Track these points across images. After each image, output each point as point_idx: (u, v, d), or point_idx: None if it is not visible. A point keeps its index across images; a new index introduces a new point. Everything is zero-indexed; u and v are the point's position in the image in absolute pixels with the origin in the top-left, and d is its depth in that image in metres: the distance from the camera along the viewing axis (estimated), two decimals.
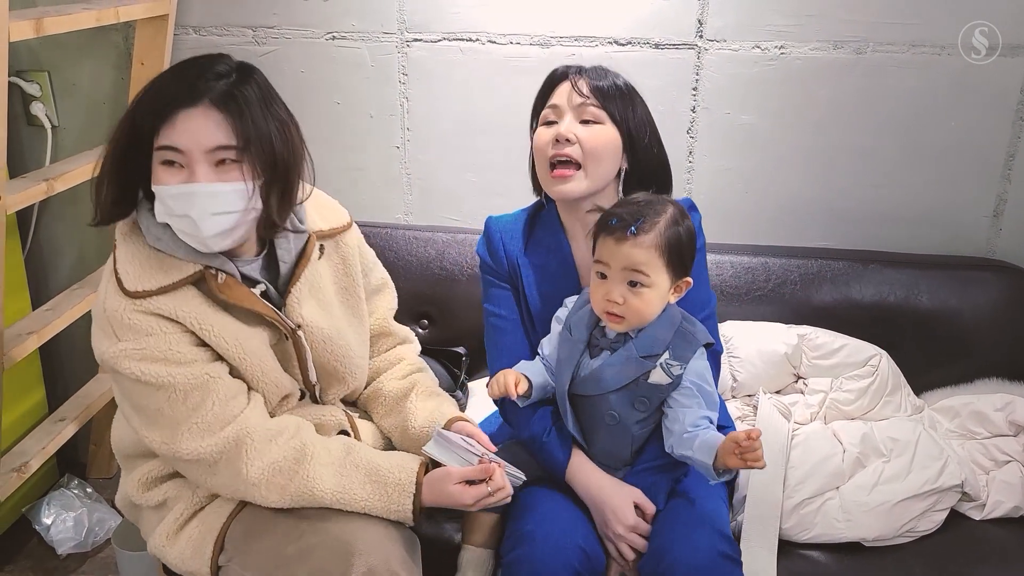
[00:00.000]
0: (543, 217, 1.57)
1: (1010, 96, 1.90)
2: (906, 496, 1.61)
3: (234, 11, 2.10)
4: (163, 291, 1.29)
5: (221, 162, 1.26)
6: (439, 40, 2.05)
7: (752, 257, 1.97)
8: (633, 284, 1.37)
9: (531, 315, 1.55)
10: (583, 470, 1.46)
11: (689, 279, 1.42)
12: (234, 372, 1.37)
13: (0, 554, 2.01)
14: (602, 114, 1.45)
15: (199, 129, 1.23)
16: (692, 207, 1.55)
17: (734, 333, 1.89)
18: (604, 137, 1.45)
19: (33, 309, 2.10)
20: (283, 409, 1.46)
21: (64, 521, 2.13)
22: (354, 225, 1.55)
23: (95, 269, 2.20)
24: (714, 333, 1.53)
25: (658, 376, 1.40)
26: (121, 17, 1.91)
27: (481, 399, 1.89)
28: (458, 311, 2.03)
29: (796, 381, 1.91)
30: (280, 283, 1.42)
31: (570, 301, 1.51)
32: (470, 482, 1.35)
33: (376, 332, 1.61)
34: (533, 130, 1.53)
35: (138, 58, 2.09)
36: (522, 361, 1.50)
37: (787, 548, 1.59)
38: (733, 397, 1.88)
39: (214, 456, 1.32)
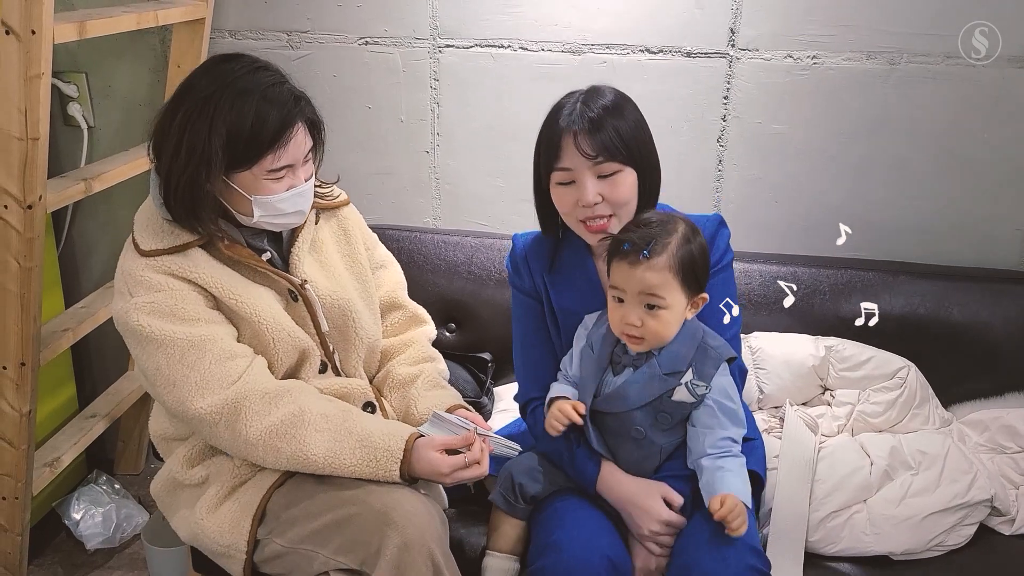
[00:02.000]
0: (569, 238, 1.56)
1: None
2: (935, 510, 1.60)
3: (269, 15, 2.12)
4: (175, 250, 1.41)
5: (305, 161, 1.46)
6: (471, 46, 2.06)
7: (781, 267, 1.97)
8: (650, 307, 1.38)
9: (559, 331, 1.57)
10: (613, 478, 1.47)
11: (705, 295, 1.43)
12: (248, 331, 1.44)
13: (31, 548, 2.03)
14: (615, 165, 1.43)
15: (301, 143, 1.43)
16: (722, 223, 1.55)
17: (761, 344, 1.89)
18: (626, 184, 1.44)
19: (66, 307, 2.12)
20: (304, 377, 1.52)
21: (93, 516, 2.16)
22: (352, 205, 1.69)
23: None
24: (739, 350, 1.53)
25: (682, 395, 1.42)
26: (160, 21, 1.94)
27: (507, 404, 1.90)
28: (485, 316, 2.04)
29: (823, 393, 1.90)
30: (283, 249, 1.54)
31: (590, 319, 1.52)
32: (451, 453, 1.39)
33: (387, 304, 1.70)
34: (541, 176, 1.50)
35: (174, 61, 2.11)
36: (553, 385, 1.51)
37: (814, 561, 1.58)
38: (760, 409, 1.87)
39: (214, 417, 1.38)
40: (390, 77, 2.12)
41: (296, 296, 1.50)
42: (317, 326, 1.53)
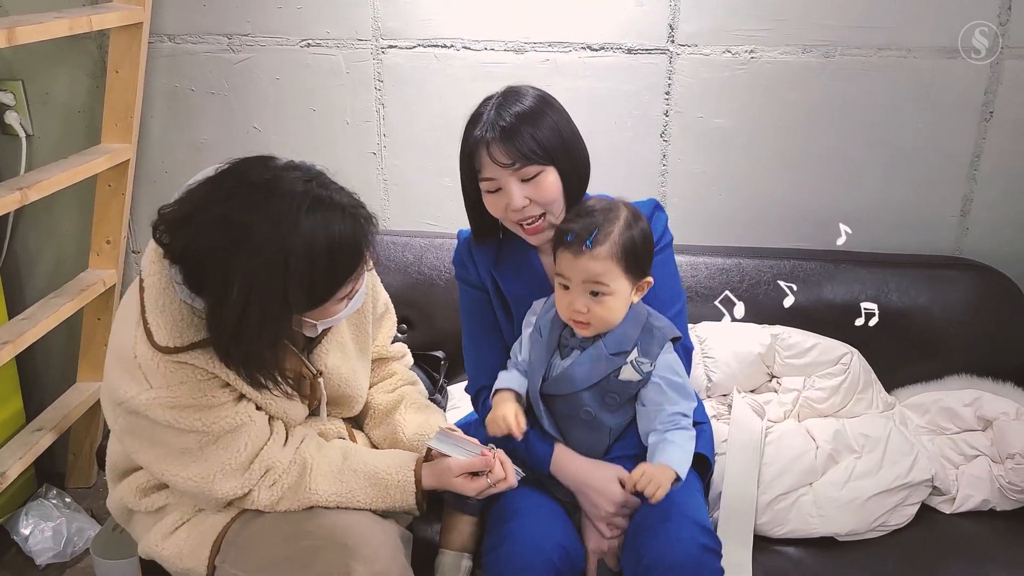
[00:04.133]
0: (511, 233, 1.57)
1: (975, 97, 1.94)
2: (878, 491, 1.64)
3: (208, 19, 2.10)
4: (194, 347, 1.28)
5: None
6: (414, 46, 2.06)
7: (726, 258, 2.00)
8: (595, 294, 1.40)
9: (509, 320, 1.58)
10: (564, 458, 1.48)
11: (649, 279, 1.45)
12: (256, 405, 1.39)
13: None
14: (535, 168, 1.43)
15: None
16: (658, 207, 1.58)
17: (709, 334, 1.92)
18: (549, 184, 1.44)
19: (9, 319, 2.09)
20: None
21: (43, 531, 2.12)
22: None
23: (71, 278, 2.19)
24: (684, 329, 1.56)
25: (628, 373, 1.44)
26: (95, 26, 1.91)
27: (459, 402, 1.91)
28: (437, 315, 2.04)
29: (770, 380, 1.94)
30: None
31: (538, 304, 1.54)
32: (474, 475, 1.39)
33: (375, 358, 1.63)
34: (467, 186, 1.52)
35: (113, 66, 2.08)
36: (501, 374, 1.52)
37: (762, 543, 1.61)
38: (708, 397, 1.90)
39: (244, 492, 1.36)
40: (334, 79, 2.11)
41: (307, 378, 1.45)
42: (316, 401, 1.48)
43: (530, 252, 1.57)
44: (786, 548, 1.62)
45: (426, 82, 2.09)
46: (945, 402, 1.84)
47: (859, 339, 1.90)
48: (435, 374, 1.99)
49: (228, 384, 1.32)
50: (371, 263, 1.48)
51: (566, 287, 1.42)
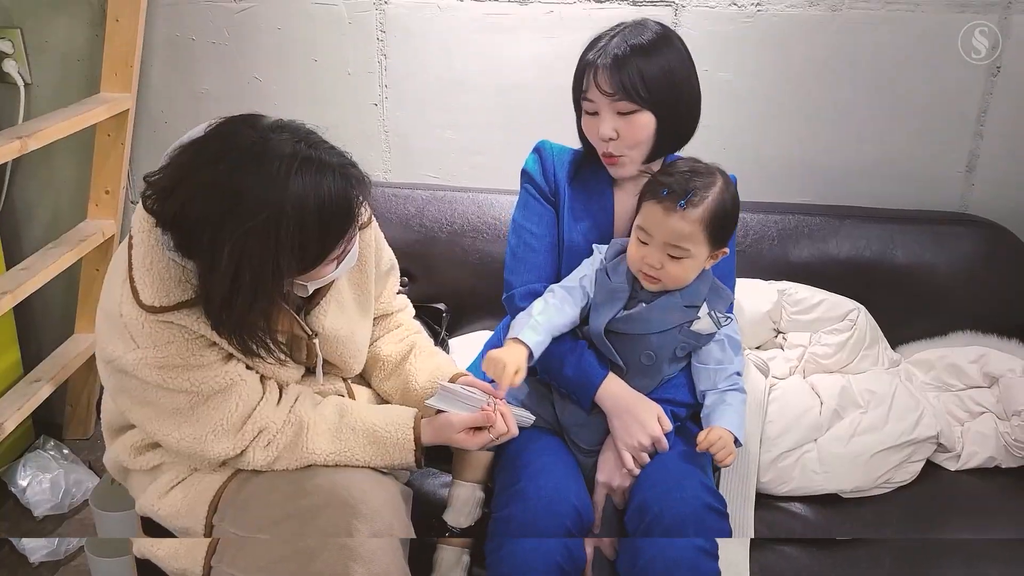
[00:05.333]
0: (596, 160, 1.56)
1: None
2: (882, 447, 1.63)
3: None
4: (181, 306, 1.25)
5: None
6: None
7: None
8: (673, 255, 1.40)
9: (562, 243, 1.57)
10: (617, 385, 1.47)
11: (726, 249, 1.46)
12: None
13: None
14: (632, 105, 1.43)
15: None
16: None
17: None
18: (641, 124, 1.45)
19: (7, 269, 2.07)
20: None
21: (40, 483, 2.11)
22: (373, 219, 1.51)
23: (70, 228, 2.17)
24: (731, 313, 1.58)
25: (705, 324, 1.45)
26: None
27: (461, 356, 1.89)
28: (438, 268, 2.03)
29: (776, 336, 1.92)
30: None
31: (602, 248, 1.52)
32: (476, 430, 1.37)
33: (379, 315, 1.61)
34: (577, 97, 1.51)
35: (112, 15, 2.06)
36: (529, 323, 1.44)
37: (765, 501, 1.61)
38: None
39: (237, 453, 1.34)
40: (335, 29, 2.09)
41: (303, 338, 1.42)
42: (312, 362, 1.46)
43: (607, 187, 1.57)
44: (790, 504, 1.62)
45: (428, 33, 2.06)
46: (951, 359, 1.84)
47: (864, 295, 1.89)
48: (436, 327, 1.98)
49: (215, 344, 1.30)
50: (371, 220, 1.48)
51: (644, 242, 1.42)
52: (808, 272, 1.92)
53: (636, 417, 1.44)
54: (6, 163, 2.22)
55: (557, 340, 1.48)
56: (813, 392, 1.77)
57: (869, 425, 1.68)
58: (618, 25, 1.49)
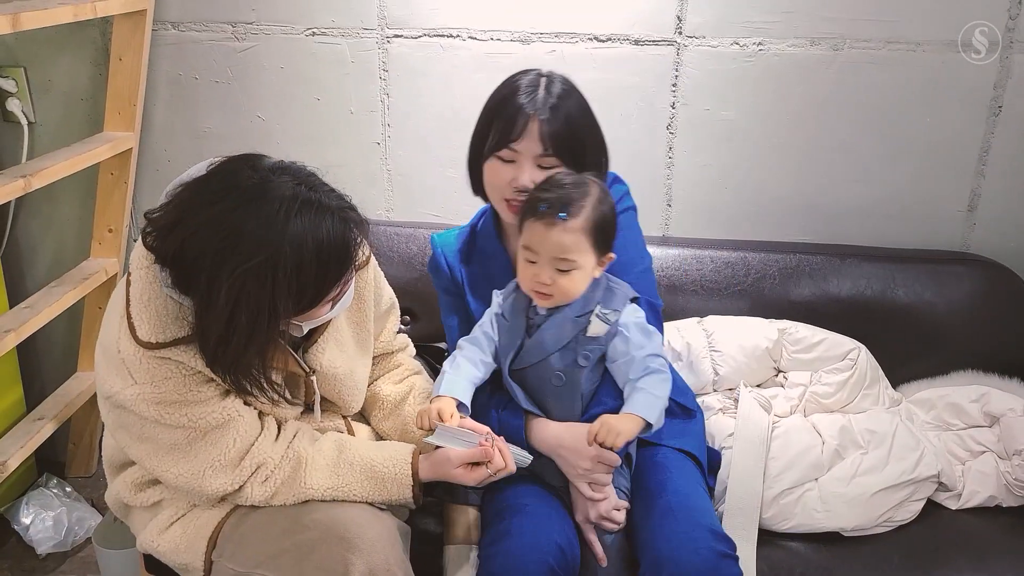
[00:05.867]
0: (482, 226, 1.62)
1: (984, 92, 1.93)
2: (884, 487, 1.64)
3: (213, 6, 2.09)
4: (177, 342, 1.26)
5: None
6: (420, 36, 2.05)
7: (732, 252, 1.99)
8: (561, 269, 1.41)
9: (475, 317, 1.59)
10: (537, 426, 1.48)
11: (612, 254, 1.47)
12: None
13: None
14: (556, 161, 1.46)
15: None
16: (617, 179, 1.61)
17: (716, 328, 1.91)
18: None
19: (10, 307, 2.08)
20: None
21: (43, 520, 2.11)
22: (372, 258, 1.52)
23: (73, 266, 2.18)
24: (651, 288, 1.58)
25: (596, 327, 1.45)
26: (98, 12, 1.89)
27: None
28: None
29: (777, 375, 1.93)
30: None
31: (498, 293, 1.55)
32: (474, 465, 1.37)
33: (379, 354, 1.62)
34: (484, 146, 1.52)
35: (116, 54, 2.07)
36: (446, 379, 1.48)
37: (767, 538, 1.61)
38: (715, 390, 1.89)
39: (235, 488, 1.34)
40: (339, 68, 2.10)
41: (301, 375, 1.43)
42: (310, 400, 1.47)
43: (497, 246, 1.60)
44: (791, 543, 1.61)
45: (431, 72, 2.07)
46: (951, 398, 1.84)
47: (865, 334, 1.89)
48: (438, 366, 1.97)
49: (212, 380, 1.31)
50: (369, 259, 1.49)
51: (532, 261, 1.43)
52: (809, 311, 1.93)
53: (567, 447, 1.45)
54: (10, 202, 2.23)
55: (478, 405, 1.49)
56: (814, 431, 1.77)
57: (870, 466, 1.69)
58: (527, 72, 1.52)
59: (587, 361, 1.46)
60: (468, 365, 1.49)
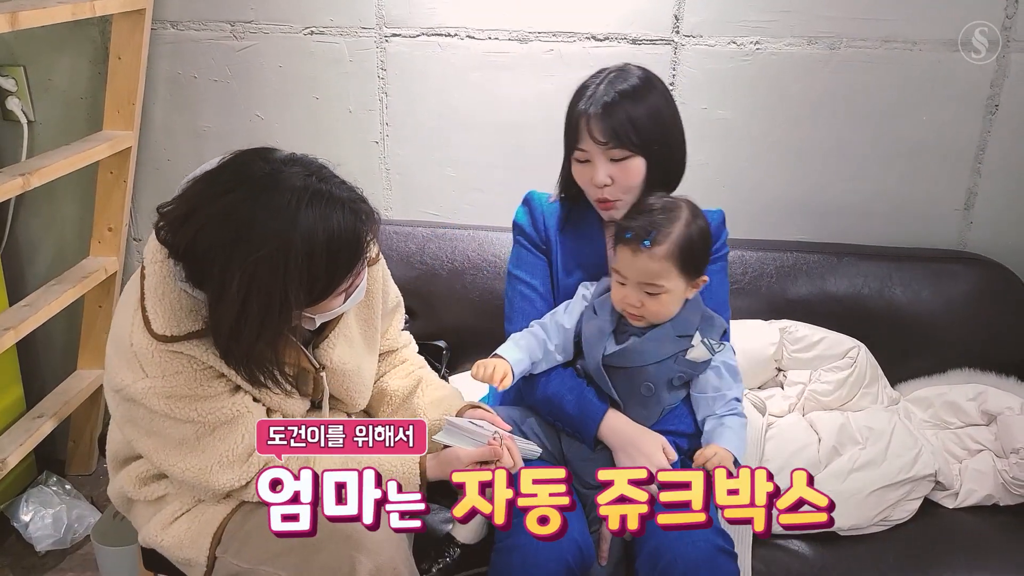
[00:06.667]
0: (583, 204, 1.59)
1: (980, 91, 1.93)
2: (881, 485, 1.64)
3: (211, 5, 2.09)
4: (191, 336, 1.26)
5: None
6: (418, 35, 2.05)
7: (729, 251, 1.99)
8: (650, 293, 1.43)
9: (558, 290, 1.60)
10: (619, 420, 1.49)
11: (705, 277, 1.48)
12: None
13: None
14: (625, 151, 1.47)
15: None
16: (723, 222, 1.60)
17: None
18: (633, 171, 1.48)
19: (10, 305, 2.08)
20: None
21: (43, 518, 2.12)
22: (380, 256, 1.52)
23: (72, 265, 2.18)
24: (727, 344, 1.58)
25: (699, 352, 1.47)
26: (97, 11, 1.90)
27: (462, 391, 1.90)
28: (439, 305, 2.04)
29: (777, 374, 1.93)
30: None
31: (590, 285, 1.56)
32: (482, 464, 1.37)
33: (385, 351, 1.62)
34: (568, 145, 1.53)
35: (115, 53, 2.07)
36: (509, 344, 1.51)
37: (762, 539, 1.60)
38: None
39: (243, 484, 1.34)
40: (337, 67, 2.10)
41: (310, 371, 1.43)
42: (318, 396, 1.47)
43: (598, 230, 1.59)
44: (787, 542, 1.62)
45: (429, 71, 2.08)
46: (949, 396, 1.84)
47: (862, 333, 1.90)
48: (437, 364, 1.99)
49: (223, 375, 1.31)
50: (379, 257, 1.49)
51: (622, 284, 1.45)
52: (806, 310, 1.93)
53: (640, 449, 1.46)
54: (9, 200, 2.23)
55: (558, 378, 1.51)
56: (811, 429, 1.78)
57: (867, 462, 1.69)
58: (601, 72, 1.52)
59: (679, 381, 1.49)
60: (532, 340, 1.51)
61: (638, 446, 1.46)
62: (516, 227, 1.63)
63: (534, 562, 1.35)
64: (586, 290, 1.56)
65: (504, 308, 1.62)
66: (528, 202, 1.64)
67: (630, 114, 1.45)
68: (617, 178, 1.48)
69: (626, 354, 1.47)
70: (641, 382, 1.47)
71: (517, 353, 1.49)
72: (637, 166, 1.48)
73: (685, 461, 1.52)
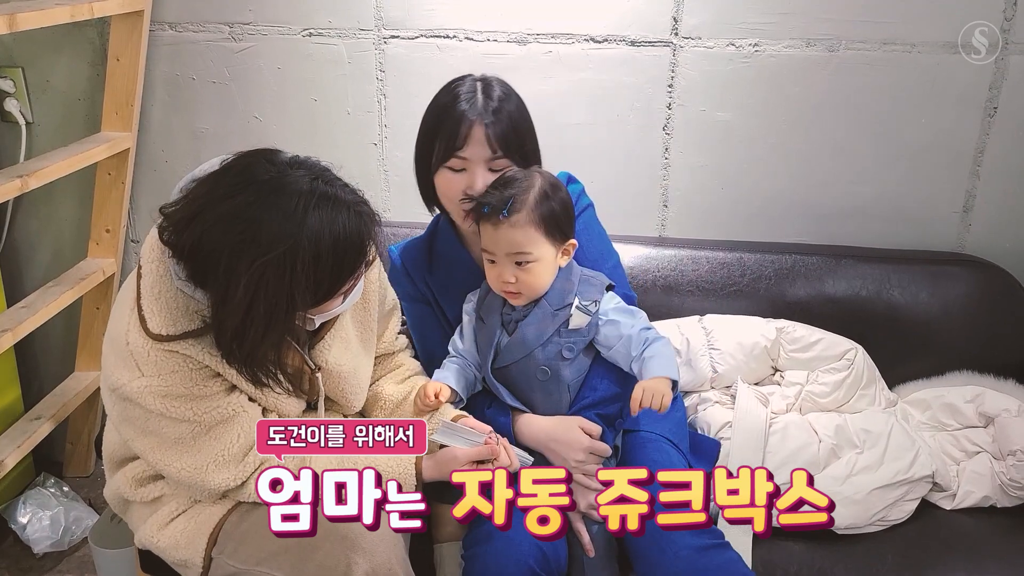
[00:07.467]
0: (440, 233, 1.62)
1: (979, 93, 1.93)
2: (878, 486, 1.64)
3: (210, 7, 2.09)
4: (187, 336, 1.27)
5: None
6: (416, 37, 2.06)
7: (728, 253, 2.00)
8: (520, 263, 1.43)
9: (451, 327, 1.61)
10: (525, 421, 1.50)
11: (573, 241, 1.48)
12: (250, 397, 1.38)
13: None
14: (506, 162, 1.48)
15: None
16: (571, 179, 1.61)
17: (715, 326, 1.91)
18: None
19: (8, 307, 2.08)
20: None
21: (40, 520, 2.11)
22: (377, 258, 1.52)
23: (70, 266, 2.18)
24: (624, 282, 1.61)
25: (578, 319, 1.48)
26: (95, 13, 1.90)
27: None
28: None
29: (774, 374, 1.93)
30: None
31: (472, 297, 1.57)
32: (479, 463, 1.38)
33: (381, 354, 1.62)
34: (432, 158, 1.52)
35: (113, 54, 2.07)
36: (435, 372, 1.55)
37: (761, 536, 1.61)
38: (713, 388, 1.90)
39: (238, 484, 1.35)
40: (335, 69, 2.10)
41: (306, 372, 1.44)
42: (314, 397, 1.47)
43: (461, 251, 1.60)
44: (785, 541, 1.61)
45: (428, 73, 2.07)
46: (946, 398, 1.84)
47: (860, 335, 1.89)
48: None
49: (219, 374, 1.31)
50: (378, 258, 1.49)
51: (492, 261, 1.46)
52: (805, 311, 1.93)
53: (559, 440, 1.47)
54: (7, 201, 2.23)
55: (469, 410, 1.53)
56: (811, 429, 1.78)
57: (865, 464, 1.69)
58: (464, 79, 1.53)
59: (571, 353, 1.48)
60: (457, 368, 1.53)
61: (556, 439, 1.47)
62: (394, 289, 1.63)
63: (495, 567, 1.36)
64: (469, 303, 1.57)
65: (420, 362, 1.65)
66: (392, 262, 1.65)
67: (513, 123, 1.47)
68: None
69: (512, 348, 1.48)
70: (536, 369, 1.48)
71: (444, 372, 1.53)
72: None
73: (615, 427, 1.52)
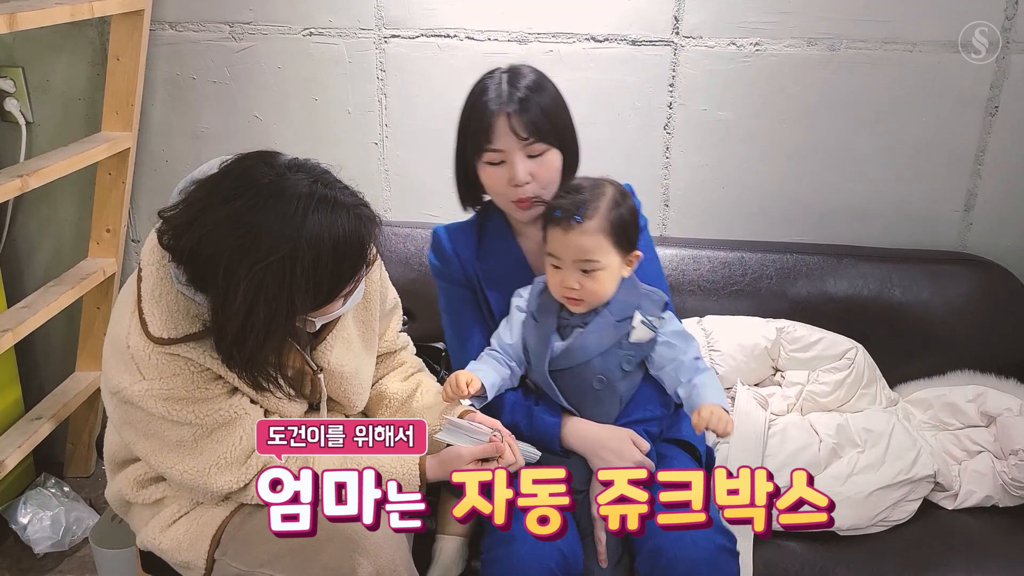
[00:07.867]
0: (491, 224, 1.60)
1: (980, 92, 1.93)
2: (880, 486, 1.64)
3: (210, 6, 2.09)
4: (188, 339, 1.27)
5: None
6: (417, 36, 2.05)
7: (729, 252, 1.99)
8: (586, 271, 1.42)
9: (494, 317, 1.59)
10: (579, 426, 1.49)
11: (638, 252, 1.48)
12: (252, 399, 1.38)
13: None
14: (543, 145, 1.47)
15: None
16: (633, 192, 1.59)
17: (714, 327, 1.91)
18: (552, 164, 1.49)
19: (8, 307, 2.08)
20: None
21: (41, 520, 2.11)
22: (379, 257, 1.51)
23: (71, 266, 2.18)
24: (671, 308, 1.57)
25: (641, 333, 1.47)
26: (96, 12, 1.90)
27: None
28: (438, 307, 2.03)
29: (774, 374, 1.93)
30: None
31: (523, 292, 1.55)
32: (483, 461, 1.37)
33: (383, 352, 1.62)
34: (468, 156, 1.51)
35: (114, 54, 2.07)
36: (471, 363, 1.53)
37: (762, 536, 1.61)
38: None
39: (241, 486, 1.34)
40: (336, 68, 2.10)
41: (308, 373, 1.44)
42: (316, 398, 1.47)
43: (511, 242, 1.59)
44: (787, 541, 1.61)
45: (429, 73, 2.08)
46: (948, 398, 1.84)
47: (862, 334, 1.89)
48: (436, 366, 1.98)
49: (221, 377, 1.31)
50: (379, 258, 1.49)
51: (557, 266, 1.44)
52: (806, 311, 1.93)
53: (611, 449, 1.46)
54: (7, 201, 2.23)
55: (509, 405, 1.51)
56: (811, 429, 1.78)
57: (867, 464, 1.69)
58: (492, 73, 1.52)
59: (630, 366, 1.48)
60: (494, 364, 1.51)
61: (607, 447, 1.46)
62: (433, 269, 1.62)
63: (518, 570, 1.35)
64: (519, 299, 1.55)
65: (448, 349, 1.64)
66: (436, 241, 1.63)
67: (542, 107, 1.46)
68: (536, 174, 1.47)
69: (570, 352, 1.47)
70: (592, 377, 1.47)
71: (480, 365, 1.50)
72: (553, 159, 1.48)
73: (659, 447, 1.52)
